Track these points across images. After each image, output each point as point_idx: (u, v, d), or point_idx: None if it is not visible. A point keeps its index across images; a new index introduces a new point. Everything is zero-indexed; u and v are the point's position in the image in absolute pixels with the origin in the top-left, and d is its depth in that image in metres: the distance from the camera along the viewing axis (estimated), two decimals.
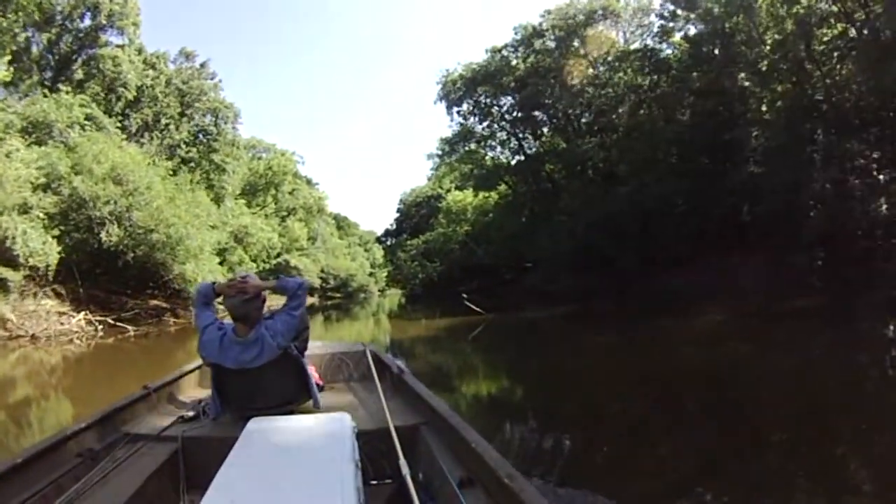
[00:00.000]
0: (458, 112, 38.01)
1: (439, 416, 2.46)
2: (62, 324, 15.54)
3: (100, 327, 16.10)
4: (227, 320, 2.80)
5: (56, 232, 16.79)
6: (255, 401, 2.67)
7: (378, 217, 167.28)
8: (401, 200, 67.16)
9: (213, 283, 2.87)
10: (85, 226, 18.10)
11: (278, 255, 40.44)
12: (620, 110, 30.80)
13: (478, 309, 16.18)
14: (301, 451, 1.74)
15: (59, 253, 16.17)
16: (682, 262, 23.80)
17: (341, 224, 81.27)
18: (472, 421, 2.41)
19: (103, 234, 17.52)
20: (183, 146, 28.07)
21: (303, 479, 1.53)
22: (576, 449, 4.48)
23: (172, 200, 19.13)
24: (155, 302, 24.71)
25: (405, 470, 1.89)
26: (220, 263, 26.06)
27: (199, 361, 3.61)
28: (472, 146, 39.30)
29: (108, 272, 22.22)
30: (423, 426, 2.59)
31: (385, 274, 75.42)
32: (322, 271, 49.95)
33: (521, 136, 37.55)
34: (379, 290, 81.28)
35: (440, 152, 40.58)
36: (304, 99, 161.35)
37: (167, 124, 27.45)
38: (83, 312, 16.46)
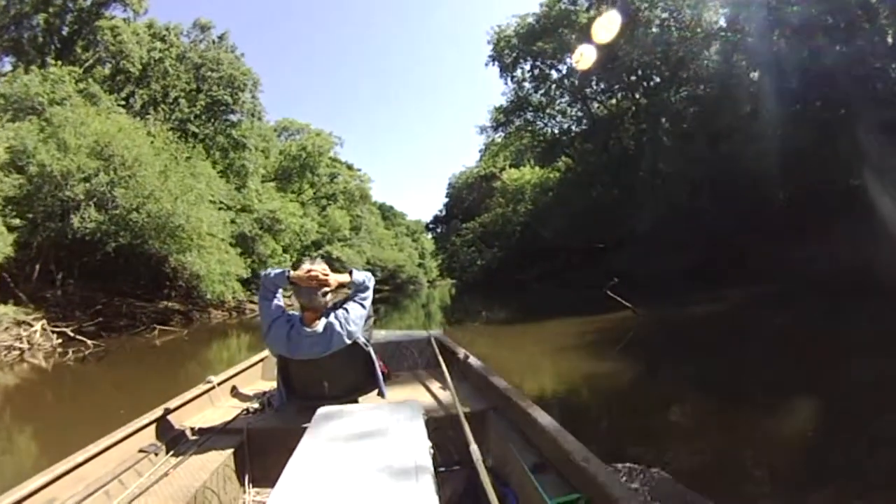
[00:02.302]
0: (511, 78, 33.07)
1: (509, 401, 2.40)
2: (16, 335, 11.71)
3: (55, 340, 12.12)
4: (291, 310, 2.73)
5: (18, 221, 13.04)
6: (322, 390, 2.63)
7: (426, 207, 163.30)
8: (450, 184, 62.14)
9: (287, 271, 2.69)
10: (59, 211, 14.32)
11: (316, 245, 36.79)
12: (707, 59, 25.43)
13: (627, 303, 11.22)
14: (373, 438, 1.66)
15: (13, 245, 12.34)
16: (799, 233, 18.45)
17: (387, 214, 77.83)
18: None
19: (75, 220, 13.61)
20: (193, 120, 24.03)
21: (377, 466, 1.45)
22: None
23: (164, 173, 15.03)
24: (170, 304, 21.15)
25: (476, 455, 1.81)
26: (247, 255, 22.16)
27: (263, 353, 3.77)
28: (529, 116, 34.32)
29: (119, 271, 18.76)
30: (491, 411, 2.53)
31: (436, 264, 71.80)
32: (368, 263, 46.03)
33: (588, 98, 32.06)
34: (428, 282, 78.13)
35: (494, 124, 35.61)
36: (341, 88, 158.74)
37: (176, 98, 23.58)
38: (41, 322, 12.54)
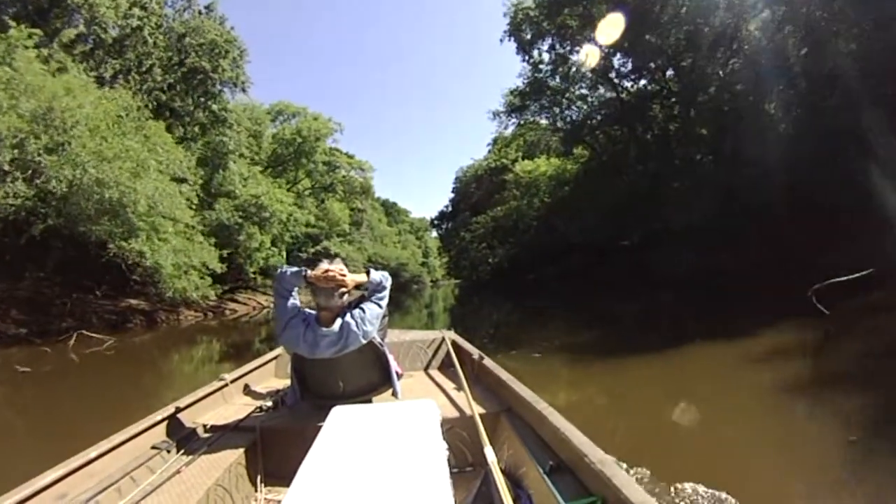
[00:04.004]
0: (528, 58, 29.93)
1: (524, 403, 2.36)
2: None
3: None
4: (306, 308, 2.70)
5: None
6: (336, 389, 2.63)
7: (430, 206, 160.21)
8: (457, 178, 58.95)
9: (304, 270, 2.64)
10: None
11: (314, 239, 33.86)
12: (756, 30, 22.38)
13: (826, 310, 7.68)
14: (388, 438, 1.64)
15: None
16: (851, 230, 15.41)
17: (390, 210, 75.21)
18: None
19: None
20: (167, 90, 20.83)
21: (392, 466, 1.44)
22: None
23: (101, 134, 11.93)
24: (135, 303, 18.24)
25: (491, 457, 1.80)
26: (229, 246, 19.12)
27: (276, 352, 3.82)
28: (546, 101, 31.16)
29: (91, 264, 15.94)
30: (506, 413, 2.51)
31: (440, 263, 69.21)
32: (369, 260, 43.15)
33: (618, 77, 28.70)
34: (431, 281, 76.10)
35: (507, 109, 32.45)
36: (343, 83, 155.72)
37: (151, 66, 20.49)
38: None
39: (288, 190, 31.25)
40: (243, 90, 23.29)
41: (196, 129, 21.66)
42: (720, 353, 7.12)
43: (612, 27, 24.89)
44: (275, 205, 22.57)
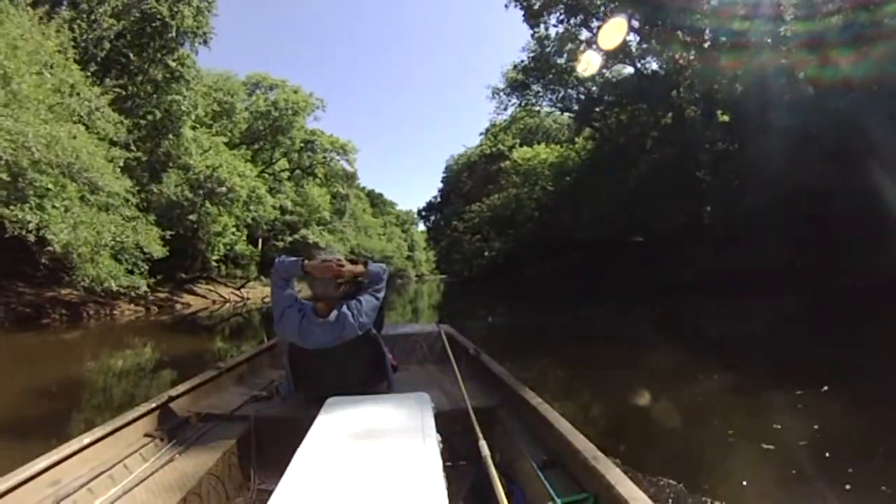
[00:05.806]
0: (534, 33, 26.99)
1: (518, 397, 2.37)
2: None
3: None
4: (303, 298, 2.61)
5: None
6: (330, 381, 2.48)
7: (417, 200, 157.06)
8: (447, 167, 55.89)
9: (302, 260, 2.57)
10: None
11: (291, 227, 30.67)
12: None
13: None
14: (382, 430, 1.63)
15: None
16: None
17: (375, 201, 72.30)
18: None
19: None
20: (114, 39, 17.34)
21: (385, 458, 1.41)
22: None
23: None
24: (64, 293, 15.12)
25: (485, 451, 1.77)
26: (170, 227, 15.88)
27: (271, 341, 3.78)
28: (551, 77, 28.23)
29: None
30: (500, 407, 2.48)
31: (425, 258, 66.60)
32: (352, 252, 40.14)
33: (640, 50, 25.60)
34: (417, 276, 74.25)
35: (508, 87, 29.54)
36: (332, 70, 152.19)
37: (102, 13, 17.16)
38: None
39: (263, 171, 28.03)
40: (205, 42, 19.88)
41: (148, 87, 18.27)
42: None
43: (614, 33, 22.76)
44: (234, 178, 19.14)
